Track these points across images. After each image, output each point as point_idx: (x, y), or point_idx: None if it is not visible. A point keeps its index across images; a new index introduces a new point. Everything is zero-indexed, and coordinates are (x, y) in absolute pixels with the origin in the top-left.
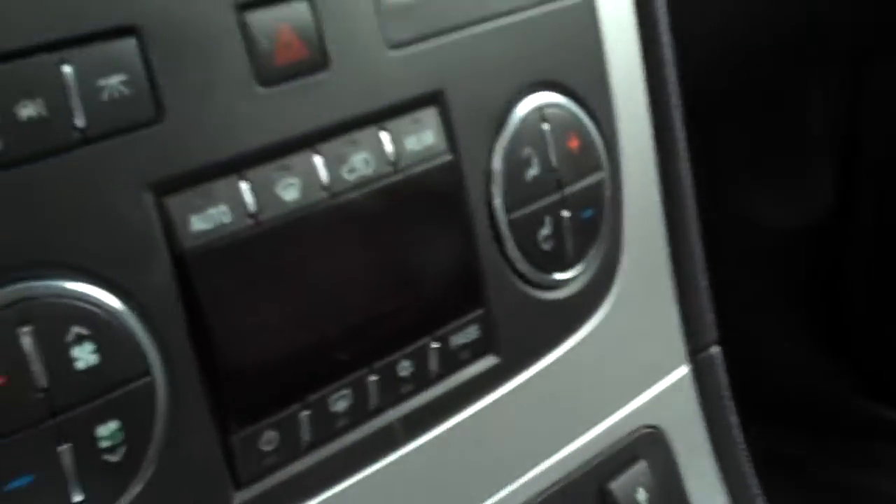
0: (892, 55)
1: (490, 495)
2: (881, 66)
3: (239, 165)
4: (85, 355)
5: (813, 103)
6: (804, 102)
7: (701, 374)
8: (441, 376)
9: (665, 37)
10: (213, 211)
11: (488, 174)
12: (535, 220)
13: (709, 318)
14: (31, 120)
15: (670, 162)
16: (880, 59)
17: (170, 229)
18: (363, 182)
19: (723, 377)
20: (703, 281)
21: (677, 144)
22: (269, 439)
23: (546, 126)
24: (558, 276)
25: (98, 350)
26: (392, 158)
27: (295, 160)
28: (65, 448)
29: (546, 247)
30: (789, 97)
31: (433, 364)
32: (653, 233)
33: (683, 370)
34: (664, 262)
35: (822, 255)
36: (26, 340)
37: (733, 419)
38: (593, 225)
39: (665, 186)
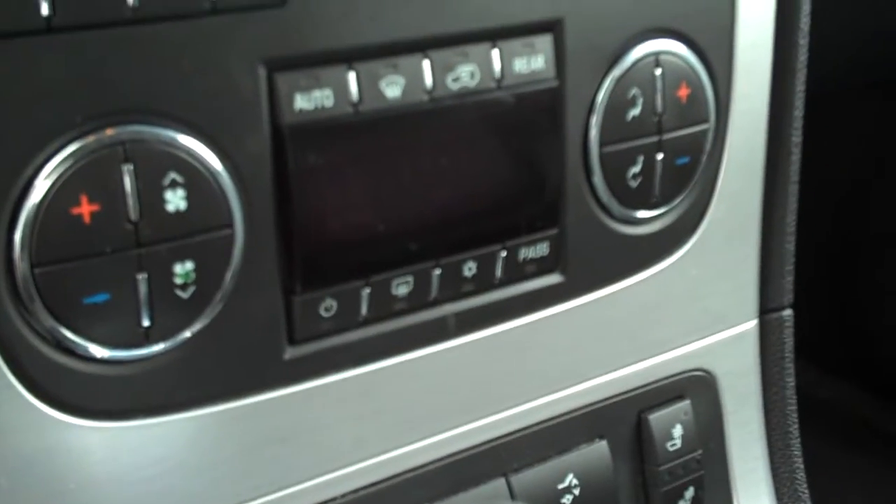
0: None
1: (525, 402)
2: None
3: (350, 56)
4: (176, 199)
5: None
6: None
7: (767, 332)
8: (503, 283)
9: (805, 7)
10: (317, 93)
11: (590, 106)
12: (627, 158)
13: (787, 280)
14: None
15: (783, 126)
16: None
17: (275, 103)
18: (464, 93)
19: (789, 340)
20: (789, 244)
21: (794, 110)
22: (328, 307)
23: (658, 71)
24: (641, 214)
25: (188, 197)
26: (497, 76)
27: (403, 61)
28: (142, 277)
29: (633, 184)
30: None
31: (498, 270)
32: (748, 190)
33: (750, 325)
34: (754, 220)
35: None
36: (126, 176)
37: (790, 382)
38: (687, 172)
39: (772, 148)
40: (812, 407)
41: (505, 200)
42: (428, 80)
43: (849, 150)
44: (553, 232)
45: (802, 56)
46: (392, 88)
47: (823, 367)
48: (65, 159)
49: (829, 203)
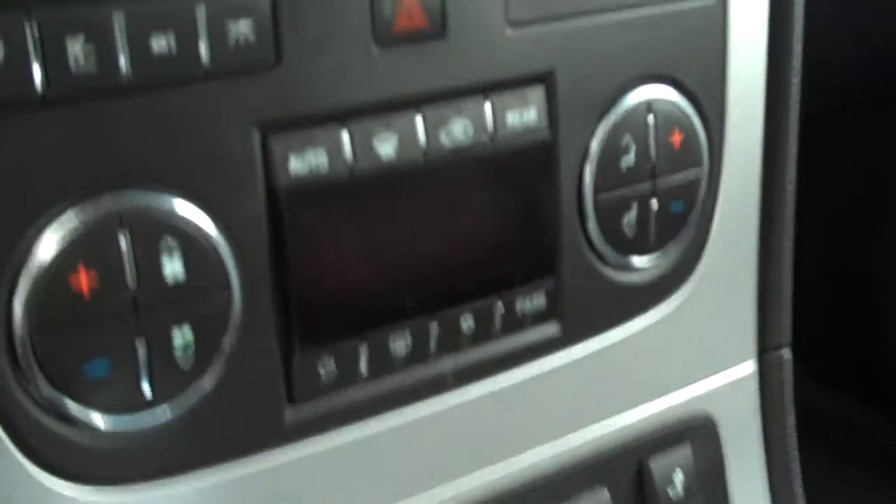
0: None
1: (525, 452)
2: None
3: (343, 116)
4: (173, 265)
5: None
6: None
7: (766, 373)
8: (501, 335)
9: (797, 48)
10: (311, 155)
11: (583, 155)
12: (622, 205)
13: (786, 319)
14: (160, 53)
15: (777, 166)
16: None
17: (269, 166)
18: (458, 149)
19: (788, 379)
20: (787, 284)
21: (787, 150)
22: (327, 366)
23: (651, 118)
24: (636, 260)
25: (185, 262)
26: (490, 130)
27: (397, 119)
28: (141, 344)
29: (628, 231)
30: None
31: (496, 322)
32: (744, 233)
33: (749, 366)
34: (750, 262)
35: None
36: (123, 243)
37: (791, 421)
38: (681, 218)
39: (766, 189)
40: (813, 422)
41: (501, 252)
42: (421, 137)
43: (848, 167)
44: (549, 281)
45: (795, 95)
46: (386, 148)
47: (825, 382)
48: (62, 228)
49: (831, 217)
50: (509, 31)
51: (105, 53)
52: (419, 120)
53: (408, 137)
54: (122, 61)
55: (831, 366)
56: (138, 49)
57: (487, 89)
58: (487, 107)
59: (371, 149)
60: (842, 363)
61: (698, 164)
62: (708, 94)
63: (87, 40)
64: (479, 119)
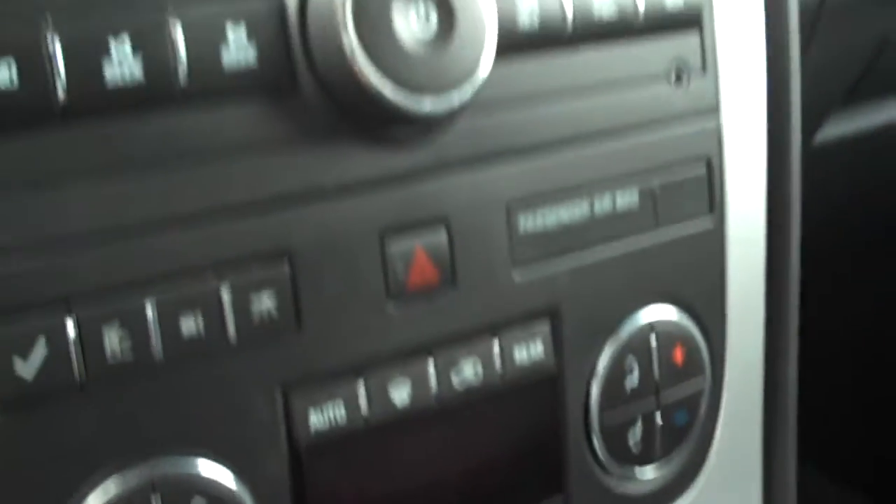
0: None
1: None
2: None
3: (359, 371)
4: None
5: None
6: None
7: None
8: None
9: (794, 260)
10: (330, 409)
11: (589, 379)
12: (627, 422)
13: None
14: (189, 336)
15: (779, 370)
16: None
17: (290, 424)
18: (469, 391)
19: None
20: (791, 477)
21: (789, 351)
22: None
23: (654, 338)
24: (640, 471)
25: None
26: (499, 369)
27: (409, 368)
28: None
29: (633, 445)
30: None
31: None
32: (747, 435)
33: None
34: (755, 461)
35: None
36: None
37: None
38: (685, 428)
39: (768, 392)
40: None
41: (509, 474)
42: (433, 384)
43: (860, 287)
44: (557, 499)
45: (795, 300)
46: (400, 397)
47: (833, 477)
48: (100, 496)
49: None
50: (515, 273)
51: (139, 341)
52: (431, 368)
53: (421, 387)
54: (155, 347)
55: (840, 462)
56: (170, 334)
57: (495, 328)
58: (495, 345)
59: (386, 397)
60: (852, 460)
61: (701, 377)
62: (708, 310)
63: (122, 329)
64: (487, 358)
